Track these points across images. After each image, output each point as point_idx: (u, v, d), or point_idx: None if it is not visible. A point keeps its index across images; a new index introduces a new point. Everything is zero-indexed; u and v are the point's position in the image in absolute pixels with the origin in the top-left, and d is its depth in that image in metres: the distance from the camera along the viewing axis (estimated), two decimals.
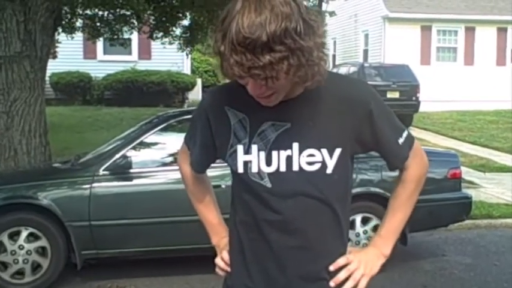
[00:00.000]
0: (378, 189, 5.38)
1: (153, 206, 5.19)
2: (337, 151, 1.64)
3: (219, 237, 1.91)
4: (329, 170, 1.63)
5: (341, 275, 1.69)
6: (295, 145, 1.63)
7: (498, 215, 7.68)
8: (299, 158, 1.63)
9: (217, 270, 1.88)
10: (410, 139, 1.77)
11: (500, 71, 20.68)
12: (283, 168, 1.63)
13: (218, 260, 1.86)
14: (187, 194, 1.97)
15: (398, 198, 1.79)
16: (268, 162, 1.64)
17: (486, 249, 6.41)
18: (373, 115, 1.67)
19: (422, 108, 16.19)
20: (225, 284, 1.85)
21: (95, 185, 5.14)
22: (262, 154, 1.65)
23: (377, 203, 5.39)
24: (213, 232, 1.93)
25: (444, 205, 5.94)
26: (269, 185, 1.64)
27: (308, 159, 1.63)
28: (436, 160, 6.39)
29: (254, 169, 1.65)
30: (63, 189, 5.25)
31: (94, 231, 5.03)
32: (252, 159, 1.66)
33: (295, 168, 1.63)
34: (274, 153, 1.64)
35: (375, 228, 5.50)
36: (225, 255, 1.83)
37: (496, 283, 5.29)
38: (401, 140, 1.74)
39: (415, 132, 15.29)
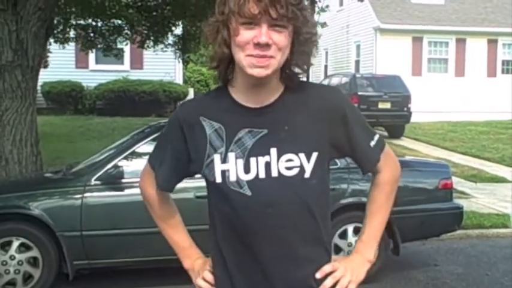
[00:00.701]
0: None
1: (144, 216, 5.11)
2: (314, 155, 1.65)
3: (192, 260, 1.85)
4: (307, 174, 1.63)
5: (327, 282, 1.68)
6: (273, 151, 1.63)
7: (489, 225, 7.71)
8: (278, 164, 1.62)
9: None
10: (381, 142, 1.79)
11: (491, 82, 20.82)
12: (262, 175, 1.62)
13: (201, 282, 1.79)
14: (154, 219, 1.90)
15: (375, 202, 1.80)
16: (247, 170, 1.63)
17: (478, 259, 6.43)
18: (347, 120, 1.70)
19: (413, 118, 16.26)
20: None
21: (86, 195, 5.13)
22: (240, 162, 1.63)
23: None
24: (184, 255, 1.87)
25: (436, 215, 5.96)
26: (249, 193, 1.62)
27: (287, 164, 1.63)
28: (427, 171, 6.43)
29: (232, 178, 1.63)
30: (54, 199, 5.23)
31: (85, 242, 5.00)
32: (230, 167, 1.64)
33: (274, 174, 1.62)
34: (253, 160, 1.63)
35: None
36: (207, 275, 1.78)
37: None
38: (373, 143, 1.76)
39: (406, 142, 15.36)
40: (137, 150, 5.50)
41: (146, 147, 5.57)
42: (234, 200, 1.63)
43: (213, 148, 1.66)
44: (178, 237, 1.88)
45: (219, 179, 1.64)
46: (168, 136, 1.77)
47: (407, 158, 8.04)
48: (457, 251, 6.72)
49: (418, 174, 6.21)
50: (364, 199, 5.55)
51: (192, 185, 5.07)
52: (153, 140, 5.59)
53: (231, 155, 1.64)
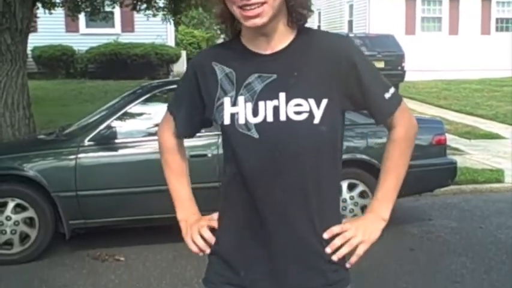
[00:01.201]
0: (364, 156, 5.42)
1: (139, 176, 5.18)
2: (324, 102, 1.62)
3: (187, 212, 1.84)
4: (316, 120, 1.60)
5: (336, 242, 1.65)
6: (282, 95, 1.62)
7: (483, 180, 7.76)
8: (286, 108, 1.61)
9: (194, 249, 1.78)
10: (398, 97, 1.74)
11: (485, 40, 20.73)
12: (270, 119, 1.61)
13: (197, 238, 1.76)
14: (162, 167, 1.89)
15: (390, 159, 1.75)
16: (255, 113, 1.62)
17: (471, 213, 6.49)
18: (358, 67, 1.66)
19: (407, 77, 16.21)
20: (215, 256, 1.76)
21: (80, 155, 5.12)
22: (249, 105, 1.63)
23: (363, 170, 5.44)
24: (181, 206, 1.86)
25: (430, 170, 5.99)
26: (256, 135, 1.61)
27: (295, 108, 1.61)
28: (422, 127, 6.29)
29: (241, 120, 1.63)
30: (48, 160, 5.22)
31: (81, 201, 5.02)
32: (239, 110, 1.64)
33: (283, 118, 1.60)
34: (261, 104, 1.62)
35: (361, 194, 5.56)
36: (206, 232, 1.76)
37: (481, 245, 5.37)
38: (387, 95, 1.71)
39: None
40: (130, 110, 5.49)
41: (138, 107, 5.55)
42: (241, 142, 1.63)
43: (223, 92, 1.67)
44: (181, 187, 1.88)
45: (227, 121, 1.64)
46: (184, 84, 1.80)
47: None
48: (451, 205, 6.77)
49: None
50: (358, 156, 5.64)
51: (186, 144, 5.08)
52: (145, 100, 5.58)
53: (241, 99, 1.64)
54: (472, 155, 9.36)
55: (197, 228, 1.78)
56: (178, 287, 4.35)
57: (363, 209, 5.58)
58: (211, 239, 1.75)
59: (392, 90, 1.73)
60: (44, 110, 10.45)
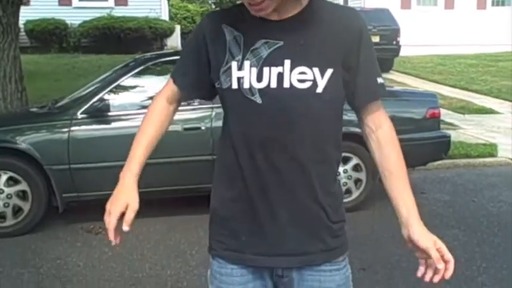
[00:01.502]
0: (358, 130, 5.34)
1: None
2: (329, 72, 1.62)
3: (131, 172, 1.76)
4: (319, 90, 1.61)
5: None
6: (287, 62, 1.62)
7: (476, 154, 7.78)
8: (290, 75, 1.61)
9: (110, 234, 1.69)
10: (385, 88, 1.76)
11: (481, 15, 20.61)
12: (273, 85, 1.61)
13: (113, 219, 1.67)
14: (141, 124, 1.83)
15: (393, 163, 1.71)
16: (259, 78, 1.62)
17: (464, 187, 6.52)
18: (362, 42, 1.67)
19: (402, 52, 16.15)
20: (215, 224, 1.76)
21: (73, 128, 5.10)
22: (254, 70, 1.63)
23: (357, 143, 5.44)
24: (137, 161, 1.78)
25: (423, 144, 6.00)
26: (259, 100, 1.62)
27: (299, 76, 1.61)
28: (416, 100, 6.43)
29: (246, 85, 1.63)
30: (41, 133, 5.19)
31: (74, 174, 5.01)
32: (244, 75, 1.64)
33: (286, 85, 1.61)
34: (266, 70, 1.62)
35: (355, 168, 5.57)
36: (130, 214, 1.68)
37: (474, 218, 5.40)
38: (380, 80, 1.73)
39: (395, 76, 15.33)
40: (122, 83, 5.45)
41: (131, 80, 5.51)
42: (245, 107, 1.63)
43: (231, 55, 1.67)
44: (139, 149, 1.80)
45: (235, 85, 1.64)
46: (191, 44, 1.79)
47: (395, 88, 8.03)
48: (444, 180, 6.80)
49: (406, 103, 6.21)
50: (352, 129, 5.60)
51: (180, 118, 5.06)
52: (138, 73, 5.53)
53: (247, 63, 1.64)
54: (465, 130, 9.38)
55: (120, 208, 1.70)
56: (172, 259, 4.37)
57: (356, 182, 5.60)
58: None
59: (382, 80, 1.75)
60: (37, 84, 10.37)
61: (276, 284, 1.75)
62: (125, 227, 1.68)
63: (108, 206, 1.72)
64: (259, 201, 1.66)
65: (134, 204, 1.71)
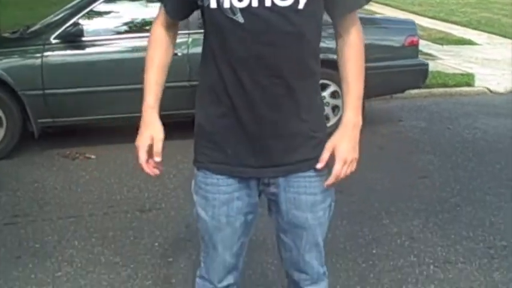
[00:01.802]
0: (336, 56, 5.36)
1: (106, 75, 5.10)
2: None
3: (148, 105, 1.80)
4: (301, 6, 1.60)
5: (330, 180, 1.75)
6: None
7: (453, 84, 7.82)
8: None
9: (145, 168, 1.80)
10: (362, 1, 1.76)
11: None
12: (255, 4, 1.59)
13: (142, 153, 1.78)
14: (145, 60, 1.82)
15: (351, 63, 1.74)
16: None
17: (440, 115, 6.58)
18: None
19: None
20: (201, 137, 1.78)
21: (46, 53, 5.00)
22: None
23: (335, 70, 5.39)
24: (151, 92, 1.80)
25: (401, 71, 6.01)
26: (241, 20, 1.60)
27: None
28: (394, 27, 6.39)
29: (226, 4, 1.60)
30: (14, 58, 5.10)
31: (48, 100, 4.94)
32: None
33: (268, 3, 1.59)
34: None
35: (333, 94, 5.56)
36: (158, 145, 1.76)
37: (449, 143, 5.48)
38: None
39: (375, 7, 15.15)
40: (96, 9, 5.33)
41: (105, 6, 5.39)
42: (227, 27, 1.62)
43: None
44: (151, 80, 1.81)
45: (213, 5, 1.62)
46: None
47: (374, 16, 7.96)
48: (421, 108, 6.84)
49: (385, 31, 6.17)
50: (331, 56, 5.56)
51: None
52: None
53: None
54: (444, 60, 9.39)
55: (148, 138, 1.78)
56: (150, 183, 4.38)
57: (334, 109, 5.60)
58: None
59: None
60: (9, 12, 10.09)
61: (261, 193, 1.81)
62: (156, 158, 1.78)
63: (136, 143, 1.80)
64: (245, 116, 1.68)
65: (158, 134, 1.78)
